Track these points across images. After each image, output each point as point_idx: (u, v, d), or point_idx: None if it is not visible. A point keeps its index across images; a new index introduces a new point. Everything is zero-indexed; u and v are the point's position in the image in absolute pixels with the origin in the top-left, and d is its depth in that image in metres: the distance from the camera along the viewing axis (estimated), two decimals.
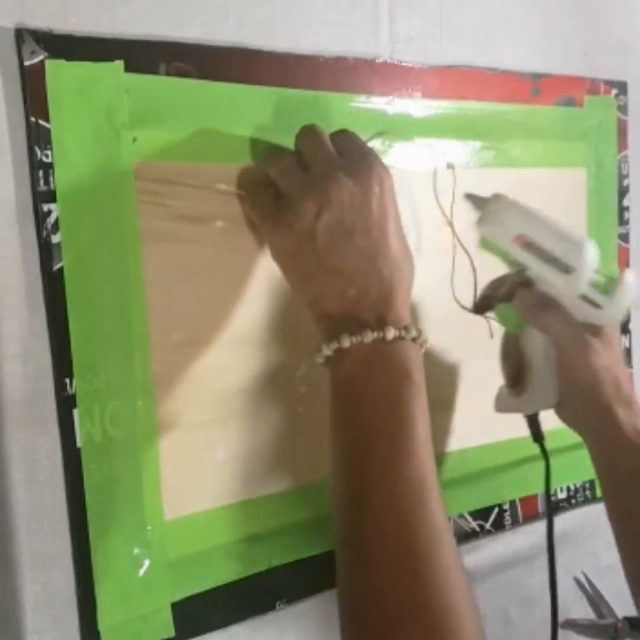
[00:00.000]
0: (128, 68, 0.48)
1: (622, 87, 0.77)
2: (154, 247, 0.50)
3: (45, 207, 0.46)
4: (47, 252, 0.46)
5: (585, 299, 0.54)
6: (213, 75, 0.52)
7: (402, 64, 0.61)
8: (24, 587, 0.47)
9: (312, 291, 0.50)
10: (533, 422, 0.61)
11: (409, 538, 0.44)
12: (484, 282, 0.63)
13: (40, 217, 0.46)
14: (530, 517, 0.73)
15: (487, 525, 0.69)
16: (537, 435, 0.61)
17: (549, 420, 0.60)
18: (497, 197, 0.55)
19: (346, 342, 0.48)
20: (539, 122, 0.70)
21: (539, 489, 0.73)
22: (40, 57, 0.45)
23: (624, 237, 0.79)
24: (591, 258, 0.54)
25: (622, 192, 0.78)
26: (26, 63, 0.45)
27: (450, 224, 0.62)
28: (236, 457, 0.55)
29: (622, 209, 0.79)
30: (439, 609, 0.43)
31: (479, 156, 0.66)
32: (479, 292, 0.62)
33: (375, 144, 0.59)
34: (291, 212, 0.49)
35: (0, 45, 0.45)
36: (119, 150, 0.48)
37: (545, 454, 0.61)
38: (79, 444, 0.48)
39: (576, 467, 0.60)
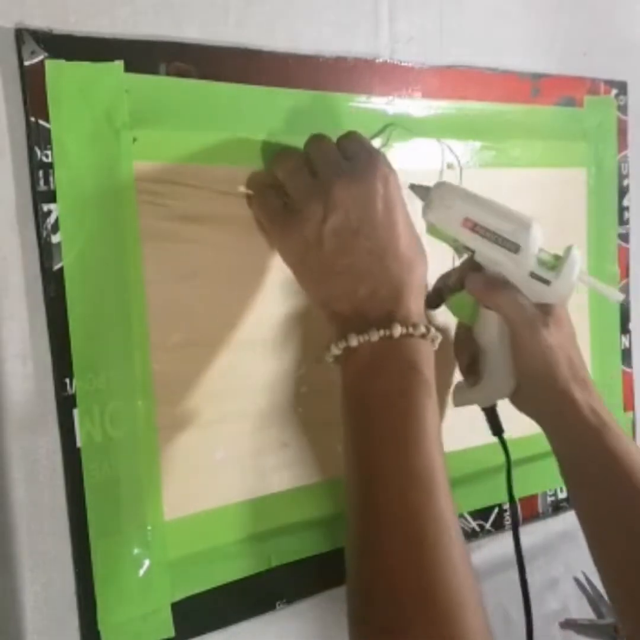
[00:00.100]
0: (128, 68, 0.48)
1: (622, 87, 0.77)
2: (154, 247, 0.50)
3: (45, 207, 0.46)
4: (47, 252, 0.46)
5: (535, 276, 0.55)
6: (213, 75, 0.52)
7: (402, 64, 0.61)
8: (24, 587, 0.47)
9: (322, 292, 0.51)
10: (491, 416, 0.61)
11: (417, 532, 0.45)
12: None
13: (40, 217, 0.46)
14: (530, 517, 0.73)
15: (487, 525, 0.69)
16: (496, 428, 0.61)
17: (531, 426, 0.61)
18: (440, 184, 0.56)
19: (354, 341, 0.48)
20: (539, 122, 0.70)
21: (539, 489, 0.73)
22: (40, 57, 0.45)
23: (624, 237, 0.79)
24: (537, 236, 0.55)
25: (622, 192, 0.78)
26: (26, 63, 0.45)
27: None
28: (236, 457, 0.55)
29: (622, 209, 0.79)
30: (445, 600, 0.43)
31: (479, 156, 0.66)
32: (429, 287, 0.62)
33: (377, 143, 0.60)
34: (298, 216, 0.49)
35: (0, 45, 0.45)
36: (119, 150, 0.48)
37: (505, 448, 0.61)
38: (79, 444, 0.48)
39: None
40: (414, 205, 0.55)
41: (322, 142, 0.52)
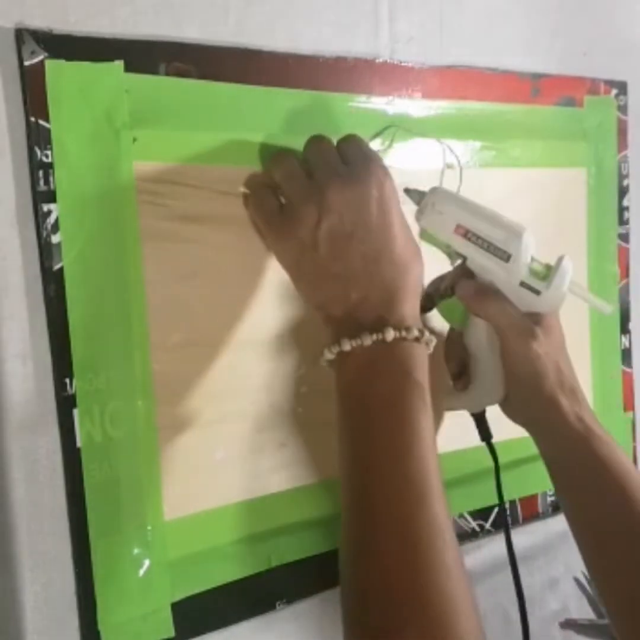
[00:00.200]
0: (128, 68, 0.48)
1: (622, 87, 0.77)
2: (154, 247, 0.50)
3: (45, 207, 0.46)
4: (47, 252, 0.46)
5: (525, 285, 0.55)
6: (213, 75, 0.52)
7: (402, 64, 0.61)
8: (24, 587, 0.47)
9: (317, 296, 0.51)
10: (480, 421, 0.61)
11: (410, 535, 0.45)
12: None
13: (40, 217, 0.46)
14: (530, 517, 0.73)
15: (487, 525, 0.69)
16: (484, 434, 0.61)
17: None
18: (435, 189, 0.56)
19: (347, 345, 0.48)
20: (539, 122, 0.70)
21: (539, 489, 0.73)
22: (40, 57, 0.45)
23: (624, 237, 0.79)
24: (529, 245, 0.55)
25: (622, 192, 0.78)
26: (26, 63, 0.45)
27: None
28: (236, 457, 0.55)
29: (622, 209, 0.79)
30: (438, 603, 0.43)
31: (479, 156, 0.66)
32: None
33: (377, 144, 0.60)
34: (293, 220, 0.49)
35: (0, 45, 0.45)
36: (119, 150, 0.48)
37: (493, 453, 0.61)
38: (79, 444, 0.48)
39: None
40: (409, 206, 0.55)
41: (321, 144, 0.52)
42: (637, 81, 0.78)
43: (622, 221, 0.79)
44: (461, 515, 0.67)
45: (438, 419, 0.64)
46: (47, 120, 0.46)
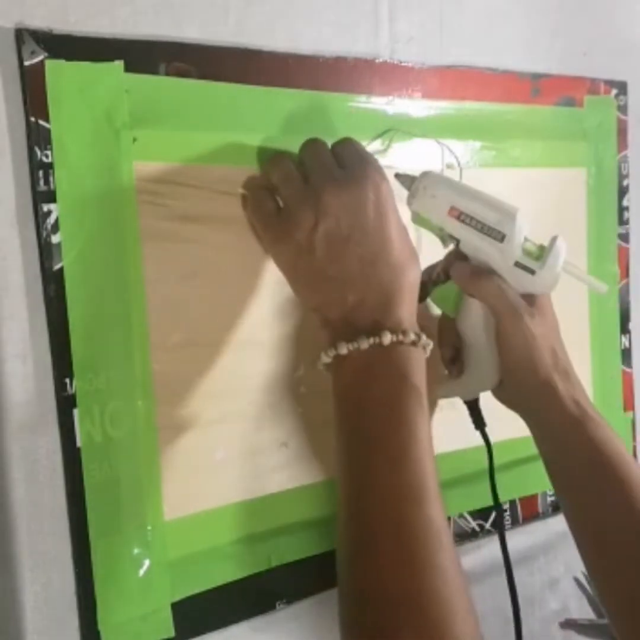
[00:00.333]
0: (128, 68, 0.48)
1: (622, 87, 0.77)
2: (154, 247, 0.50)
3: (45, 207, 0.46)
4: (47, 252, 0.46)
5: (519, 265, 0.55)
6: (213, 75, 0.52)
7: (402, 64, 0.61)
8: (24, 587, 0.47)
9: (314, 299, 0.51)
10: (474, 409, 0.61)
11: (406, 537, 0.45)
12: None
13: (40, 217, 0.46)
14: (530, 516, 0.73)
15: (487, 525, 0.69)
16: (478, 422, 0.61)
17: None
18: (426, 173, 0.56)
19: (343, 349, 0.48)
20: (539, 122, 0.70)
21: (539, 489, 0.73)
22: (40, 57, 0.45)
23: (624, 237, 0.79)
24: (522, 225, 0.55)
25: (622, 192, 0.78)
26: (26, 63, 0.45)
27: None
28: (236, 457, 0.55)
29: (622, 209, 0.79)
30: (434, 606, 0.43)
31: (479, 156, 0.66)
32: None
33: (377, 145, 0.60)
34: (290, 223, 0.49)
35: (0, 45, 0.45)
36: (119, 150, 0.48)
37: (487, 441, 0.61)
38: (79, 444, 0.48)
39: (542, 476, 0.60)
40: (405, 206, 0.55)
41: (316, 148, 0.52)
42: (637, 81, 0.78)
43: (622, 221, 0.79)
44: (461, 515, 0.67)
45: (437, 418, 0.64)
46: (47, 120, 0.46)
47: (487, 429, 0.62)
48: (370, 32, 0.60)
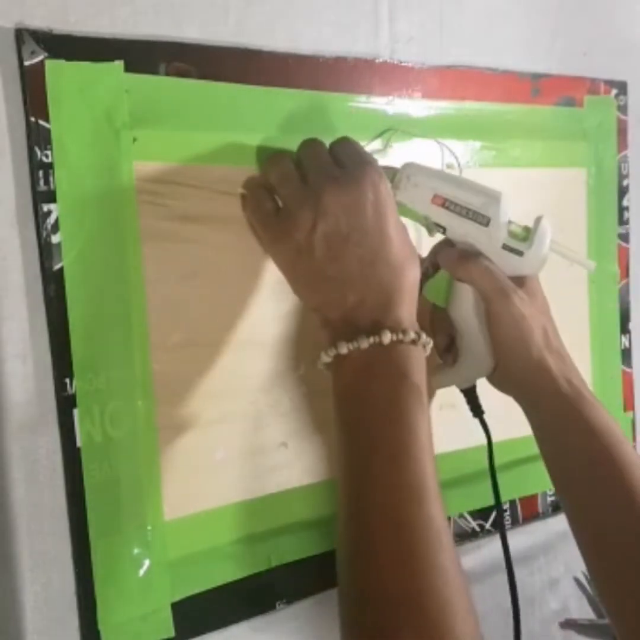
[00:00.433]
0: (128, 68, 0.48)
1: (622, 87, 0.77)
2: (154, 247, 0.50)
3: (45, 207, 0.46)
4: (47, 252, 0.46)
5: (507, 248, 0.56)
6: (213, 75, 0.52)
7: (402, 64, 0.61)
8: (24, 587, 0.47)
9: (315, 299, 0.51)
10: (471, 396, 0.61)
11: (406, 537, 0.45)
12: None
13: (40, 217, 0.46)
14: (530, 517, 0.73)
15: (487, 525, 0.69)
16: (476, 409, 0.61)
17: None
18: (408, 164, 0.56)
19: (343, 348, 0.48)
20: (539, 122, 0.70)
21: (539, 489, 0.73)
22: (40, 57, 0.45)
23: (624, 237, 0.79)
24: (507, 208, 0.55)
25: (622, 192, 0.78)
26: (26, 63, 0.45)
27: None
28: (236, 457, 0.55)
29: (622, 209, 0.79)
30: (434, 606, 0.43)
31: (479, 156, 0.66)
32: None
33: (377, 145, 0.60)
34: (289, 223, 0.49)
35: (0, 45, 0.45)
36: (119, 150, 0.48)
37: (486, 429, 0.61)
38: (79, 444, 0.48)
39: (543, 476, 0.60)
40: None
41: (314, 148, 0.52)
42: (637, 81, 0.78)
43: (622, 221, 0.79)
44: (461, 515, 0.67)
45: (437, 418, 0.64)
46: (47, 120, 0.46)
47: None
48: (370, 32, 0.60)
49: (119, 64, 0.48)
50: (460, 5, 0.65)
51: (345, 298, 0.49)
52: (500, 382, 0.60)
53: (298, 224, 0.49)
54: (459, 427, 0.65)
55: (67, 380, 0.47)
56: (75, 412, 0.48)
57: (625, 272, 0.79)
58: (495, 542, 0.68)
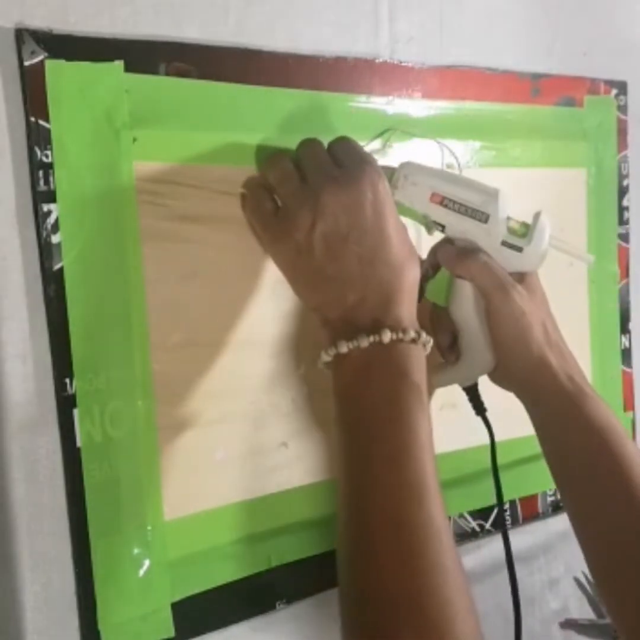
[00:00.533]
0: (128, 68, 0.48)
1: (622, 87, 0.77)
2: (154, 247, 0.50)
3: (45, 207, 0.46)
4: (47, 252, 0.46)
5: (506, 244, 0.56)
6: (213, 75, 0.52)
7: (402, 64, 0.61)
8: (24, 587, 0.47)
9: (315, 299, 0.51)
10: (473, 394, 0.61)
11: (406, 537, 0.45)
12: None
13: (40, 217, 0.46)
14: (530, 516, 0.73)
15: (487, 525, 0.69)
16: (478, 407, 0.61)
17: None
18: (405, 163, 0.56)
19: (344, 348, 0.48)
20: (539, 122, 0.70)
21: (539, 489, 0.73)
22: (40, 57, 0.45)
23: (624, 237, 0.79)
24: (506, 205, 0.56)
25: (622, 192, 0.78)
26: (26, 63, 0.45)
27: None
28: (236, 457, 0.55)
29: (622, 209, 0.79)
30: (434, 606, 0.43)
31: (479, 156, 0.66)
32: None
33: (376, 145, 0.60)
34: (288, 223, 0.49)
35: (0, 45, 0.45)
36: (119, 150, 0.48)
37: (488, 426, 0.61)
38: (79, 444, 0.48)
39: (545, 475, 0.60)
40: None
41: (313, 147, 0.52)
42: (637, 81, 0.78)
43: (622, 221, 0.79)
44: (461, 515, 0.67)
45: (437, 418, 0.64)
46: (47, 120, 0.46)
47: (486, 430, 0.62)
48: (370, 32, 0.60)
49: (119, 64, 0.48)
50: (460, 5, 0.65)
51: (345, 297, 0.49)
52: (501, 379, 0.60)
53: (297, 223, 0.49)
54: (459, 427, 0.65)
55: (67, 380, 0.47)
56: (75, 412, 0.48)
57: (625, 272, 0.79)
58: (495, 542, 0.69)
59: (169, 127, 0.50)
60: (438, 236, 0.58)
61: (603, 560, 0.55)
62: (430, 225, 0.57)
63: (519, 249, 0.56)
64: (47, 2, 0.46)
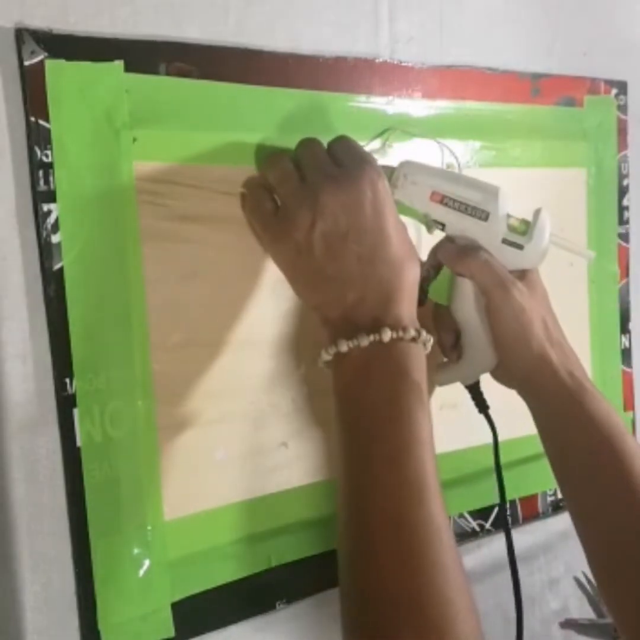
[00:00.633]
0: (128, 68, 0.48)
1: (622, 87, 0.77)
2: (154, 247, 0.50)
3: (45, 207, 0.46)
4: (47, 252, 0.46)
5: (507, 242, 0.56)
6: (213, 75, 0.52)
7: (402, 64, 0.61)
8: (24, 587, 0.47)
9: (315, 298, 0.51)
10: (475, 392, 0.61)
11: (407, 536, 0.45)
12: None
13: (40, 217, 0.46)
14: (530, 516, 0.73)
15: (487, 525, 0.69)
16: (481, 405, 0.61)
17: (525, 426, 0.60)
18: (404, 162, 0.56)
19: (344, 347, 0.48)
20: (539, 122, 0.70)
21: (539, 489, 0.73)
22: (40, 57, 0.45)
23: (624, 237, 0.79)
24: (506, 202, 0.56)
25: (622, 192, 0.78)
26: (26, 63, 0.45)
27: None
28: (236, 457, 0.55)
29: (622, 209, 0.79)
30: (435, 605, 0.43)
31: (479, 156, 0.66)
32: None
33: (376, 144, 0.60)
34: (288, 222, 0.49)
35: (0, 45, 0.45)
36: (119, 150, 0.48)
37: (491, 424, 0.61)
38: (79, 444, 0.48)
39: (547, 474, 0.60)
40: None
41: (312, 147, 0.52)
42: (637, 81, 0.78)
43: (622, 221, 0.79)
44: (461, 515, 0.67)
45: (437, 418, 0.64)
46: (47, 120, 0.46)
47: (486, 430, 0.62)
48: (370, 32, 0.60)
49: (119, 64, 0.48)
50: (460, 5, 0.65)
51: (345, 296, 0.49)
52: (502, 376, 0.60)
53: (297, 223, 0.49)
54: (460, 426, 0.65)
55: (67, 380, 0.47)
56: (75, 412, 0.48)
57: (625, 272, 0.79)
58: (495, 542, 0.69)
59: (169, 127, 0.50)
60: (438, 235, 0.58)
61: (604, 559, 0.55)
62: (431, 224, 0.57)
63: (520, 247, 0.56)
64: (47, 2, 0.46)
